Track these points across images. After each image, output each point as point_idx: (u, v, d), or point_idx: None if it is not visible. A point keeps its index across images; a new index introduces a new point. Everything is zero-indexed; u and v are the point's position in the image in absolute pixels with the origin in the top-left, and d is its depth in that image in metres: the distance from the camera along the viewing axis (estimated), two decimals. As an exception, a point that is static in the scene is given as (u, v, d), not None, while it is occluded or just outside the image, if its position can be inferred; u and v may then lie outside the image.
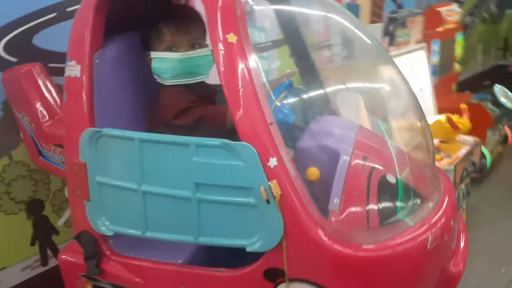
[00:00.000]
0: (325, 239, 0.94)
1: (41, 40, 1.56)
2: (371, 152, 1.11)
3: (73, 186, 1.18)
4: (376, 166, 1.07)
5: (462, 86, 4.28)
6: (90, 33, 1.13)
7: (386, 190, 1.04)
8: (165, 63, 1.21)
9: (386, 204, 1.03)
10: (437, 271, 1.05)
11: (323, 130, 1.16)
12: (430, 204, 1.07)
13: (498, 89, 3.39)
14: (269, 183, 0.93)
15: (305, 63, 1.45)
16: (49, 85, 1.52)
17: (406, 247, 0.97)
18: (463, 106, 2.57)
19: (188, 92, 1.23)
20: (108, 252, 1.18)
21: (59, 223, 1.67)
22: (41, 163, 1.53)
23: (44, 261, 1.67)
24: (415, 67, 2.85)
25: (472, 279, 2.09)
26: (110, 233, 1.12)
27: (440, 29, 3.32)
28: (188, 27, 1.22)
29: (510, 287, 2.13)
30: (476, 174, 2.97)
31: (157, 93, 1.27)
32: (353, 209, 1.01)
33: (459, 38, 3.64)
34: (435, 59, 3.30)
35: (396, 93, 1.29)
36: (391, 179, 1.05)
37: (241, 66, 0.96)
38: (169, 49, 1.22)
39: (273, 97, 1.14)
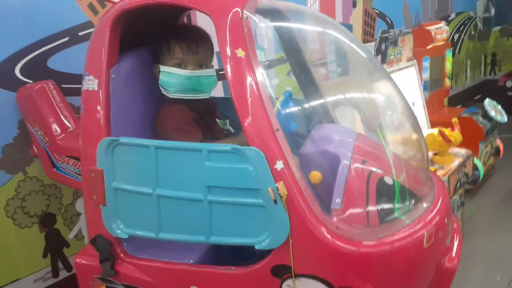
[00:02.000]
0: (328, 236, 1.02)
1: (55, 63, 1.64)
2: (369, 157, 1.19)
3: (89, 192, 1.24)
4: (374, 169, 1.15)
5: (453, 100, 4.42)
6: (107, 50, 1.22)
7: (384, 190, 1.12)
8: (173, 78, 1.30)
9: (384, 204, 1.11)
10: (433, 266, 1.12)
11: (323, 136, 1.24)
12: (425, 204, 1.15)
13: (488, 102, 3.51)
14: (276, 185, 1.01)
15: (305, 77, 1.54)
16: (61, 101, 1.61)
17: (404, 243, 1.04)
18: (454, 120, 2.67)
19: (188, 109, 1.32)
20: (122, 255, 1.24)
21: (70, 236, 1.74)
22: (54, 175, 1.59)
23: (55, 272, 1.71)
24: (407, 83, 2.97)
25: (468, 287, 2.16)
26: (125, 236, 1.19)
27: (430, 46, 3.46)
28: (198, 47, 1.32)
29: (506, 295, 2.19)
30: (470, 185, 3.06)
31: (160, 105, 1.35)
32: (353, 208, 1.08)
33: (448, 54, 3.79)
34: (426, 75, 3.42)
35: (391, 102, 1.38)
36: (388, 180, 1.13)
37: (249, 78, 1.05)
38: (178, 65, 1.31)
39: (278, 105, 1.22)
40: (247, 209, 1.05)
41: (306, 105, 1.44)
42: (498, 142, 3.73)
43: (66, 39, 1.66)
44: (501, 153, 3.72)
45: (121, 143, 1.16)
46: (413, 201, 1.14)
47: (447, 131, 2.54)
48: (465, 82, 5.07)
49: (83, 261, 1.28)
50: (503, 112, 3.52)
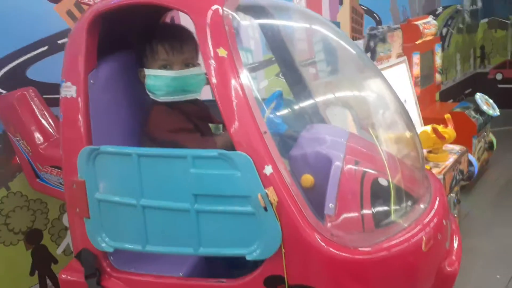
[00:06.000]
0: (323, 243, 0.97)
1: (34, 73, 1.58)
2: (362, 157, 1.14)
3: (72, 205, 1.19)
4: (368, 170, 1.10)
5: (444, 95, 4.40)
6: (84, 54, 1.16)
7: (379, 193, 1.07)
8: (159, 80, 1.25)
9: (379, 207, 1.06)
10: (433, 271, 1.08)
11: (314, 137, 1.20)
12: (422, 205, 1.10)
13: (479, 97, 3.49)
14: (266, 190, 0.96)
15: (293, 75, 1.49)
16: (43, 109, 1.55)
17: (402, 248, 1.00)
18: (447, 116, 2.65)
19: (179, 111, 1.27)
20: (108, 269, 1.18)
21: (58, 251, 1.68)
22: (38, 186, 1.53)
23: None
24: (398, 80, 2.93)
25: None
26: (111, 250, 1.13)
27: (419, 41, 3.43)
28: (183, 46, 1.26)
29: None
30: (465, 182, 3.03)
31: (148, 109, 1.30)
32: (348, 213, 1.04)
33: (438, 49, 3.77)
34: (416, 70, 3.40)
35: (382, 99, 1.34)
36: (383, 182, 1.09)
37: (233, 78, 1.00)
38: (164, 67, 1.25)
39: (264, 107, 1.17)
40: (236, 218, 1.00)
41: (296, 105, 1.40)
42: (492, 137, 3.71)
43: (45, 48, 1.60)
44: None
45: (102, 152, 1.10)
46: (409, 203, 1.10)
47: (440, 128, 2.51)
48: (456, 76, 5.07)
49: (69, 277, 1.22)
50: (495, 105, 3.50)
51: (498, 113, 3.47)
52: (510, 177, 3.46)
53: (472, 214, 2.95)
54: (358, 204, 1.04)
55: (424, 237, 1.02)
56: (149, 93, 1.28)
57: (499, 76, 5.17)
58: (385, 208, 1.06)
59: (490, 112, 3.42)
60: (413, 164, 1.22)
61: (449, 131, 2.53)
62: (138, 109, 1.32)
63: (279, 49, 1.47)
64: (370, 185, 1.07)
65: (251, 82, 1.02)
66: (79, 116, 1.16)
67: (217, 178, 1.00)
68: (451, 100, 4.60)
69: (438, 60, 3.77)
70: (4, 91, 1.53)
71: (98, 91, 1.20)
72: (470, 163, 2.95)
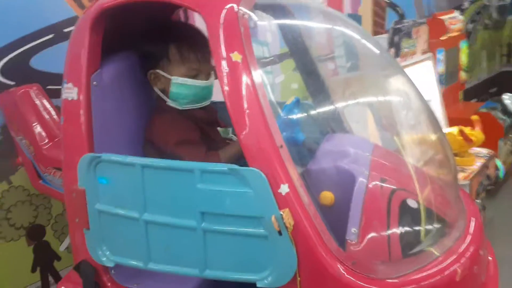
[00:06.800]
0: (345, 273, 0.86)
1: (39, 62, 1.52)
2: (389, 174, 1.03)
3: (72, 214, 1.11)
4: (396, 189, 0.99)
5: (468, 94, 4.21)
6: (86, 54, 1.07)
7: (408, 216, 0.96)
8: (188, 89, 1.18)
9: (408, 233, 0.95)
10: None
11: (336, 149, 1.09)
12: (456, 231, 0.98)
13: (508, 97, 3.32)
14: (281, 212, 0.86)
15: (312, 77, 1.38)
16: (48, 107, 1.48)
17: (433, 282, 0.88)
18: (474, 117, 2.50)
19: (188, 117, 1.20)
20: (109, 284, 1.10)
21: (61, 248, 1.63)
22: (41, 187, 1.48)
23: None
24: (422, 78, 2.78)
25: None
26: (111, 264, 1.05)
27: (444, 37, 3.27)
28: (210, 55, 1.19)
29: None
30: (490, 186, 2.89)
31: (154, 114, 1.21)
32: (373, 239, 0.93)
33: (463, 45, 3.59)
34: (441, 68, 3.24)
35: (409, 105, 1.22)
36: (412, 203, 0.97)
37: (246, 86, 0.90)
38: (193, 76, 1.18)
39: (281, 115, 1.07)
40: (247, 240, 0.90)
41: (315, 112, 1.28)
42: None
43: (51, 36, 1.53)
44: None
45: (103, 161, 1.02)
46: (442, 228, 0.98)
47: (467, 130, 2.37)
48: (481, 74, 4.85)
49: (67, 290, 1.14)
50: (523, 106, 3.32)
51: (527, 115, 3.30)
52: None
53: (497, 219, 2.80)
54: (384, 229, 0.93)
55: (458, 270, 0.90)
56: (168, 100, 1.19)
57: (526, 75, 4.93)
58: (415, 234, 0.95)
59: (519, 113, 3.25)
60: (446, 182, 1.10)
61: (476, 133, 2.39)
62: (144, 113, 1.23)
63: (299, 52, 1.36)
64: (398, 207, 0.96)
65: (267, 90, 0.91)
66: (81, 121, 1.07)
67: (227, 196, 0.90)
68: (475, 100, 4.40)
69: (463, 58, 3.59)
70: (6, 81, 1.47)
71: (101, 93, 1.11)
72: (495, 167, 2.80)
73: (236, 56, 0.90)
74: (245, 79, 0.89)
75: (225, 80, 0.90)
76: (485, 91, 4.91)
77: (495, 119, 3.20)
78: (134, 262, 1.02)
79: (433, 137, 1.15)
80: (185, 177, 0.93)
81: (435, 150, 1.16)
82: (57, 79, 1.48)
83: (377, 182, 0.99)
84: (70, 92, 1.09)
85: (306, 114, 1.22)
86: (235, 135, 1.39)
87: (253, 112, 0.89)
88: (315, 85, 1.37)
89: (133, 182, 0.98)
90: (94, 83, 1.08)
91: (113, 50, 1.18)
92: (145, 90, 1.21)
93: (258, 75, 0.91)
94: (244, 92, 0.89)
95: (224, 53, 0.90)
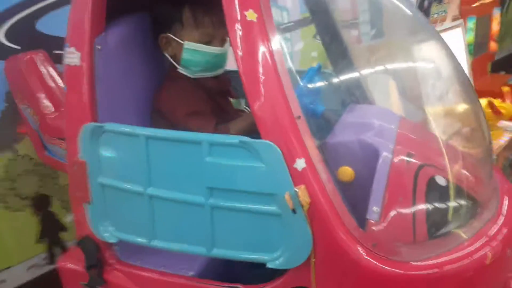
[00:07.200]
0: (365, 255, 0.78)
1: (45, 26, 1.46)
2: (417, 149, 0.94)
3: (74, 187, 1.05)
4: (424, 164, 0.90)
5: (496, 66, 3.99)
6: (90, 16, 0.99)
7: (436, 194, 0.87)
8: (201, 56, 1.10)
9: (436, 212, 0.86)
10: (497, 290, 0.88)
11: (358, 121, 1.00)
12: (488, 212, 0.89)
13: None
14: (296, 189, 0.78)
15: (334, 44, 1.27)
16: (53, 74, 1.42)
17: (461, 265, 0.80)
18: (505, 89, 2.35)
19: (200, 87, 1.12)
20: (112, 261, 1.06)
21: (68, 219, 1.60)
22: (46, 159, 1.44)
23: (51, 259, 1.60)
24: (452, 47, 2.61)
25: None
26: (114, 240, 1.00)
27: (476, 4, 3.05)
28: (224, 18, 1.09)
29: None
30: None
31: (164, 82, 1.13)
32: (396, 218, 0.84)
33: (496, 13, 3.36)
34: (470, 37, 3.05)
35: (442, 74, 1.10)
36: (440, 181, 0.88)
37: (262, 49, 0.80)
38: (207, 42, 1.10)
39: (300, 83, 0.98)
40: (258, 218, 0.83)
41: (337, 81, 1.18)
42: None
43: (57, -3, 1.45)
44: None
45: (107, 131, 0.95)
46: (472, 208, 0.89)
47: (497, 102, 2.23)
48: (510, 46, 4.59)
49: (68, 265, 1.10)
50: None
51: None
52: None
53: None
54: (409, 208, 0.84)
55: (489, 254, 0.82)
56: (179, 67, 1.11)
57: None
58: (443, 214, 0.86)
59: (549, 89, 3.05)
60: (479, 158, 1.00)
61: (507, 105, 2.26)
62: (154, 80, 1.15)
63: (320, 13, 1.24)
64: (425, 184, 0.87)
65: (286, 55, 0.81)
66: (83, 88, 1.00)
67: (237, 170, 0.82)
68: (503, 72, 4.18)
69: (495, 27, 3.37)
70: (11, 45, 1.41)
71: (106, 58, 1.02)
72: (523, 143, 2.65)
73: (251, 15, 0.80)
74: (260, 41, 0.80)
75: (239, 44, 0.81)
76: (513, 64, 4.65)
77: (525, 93, 3.02)
78: (137, 239, 0.97)
79: (467, 109, 1.04)
80: (193, 150, 0.85)
81: (468, 123, 1.05)
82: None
83: (403, 157, 0.90)
84: (72, 57, 1.01)
85: (327, 83, 1.12)
86: (248, 106, 1.31)
87: (269, 78, 0.80)
88: (338, 52, 1.27)
89: (137, 154, 0.91)
90: (98, 47, 1.00)
91: (121, 12, 1.09)
92: (155, 56, 1.13)
93: (275, 38, 0.82)
94: (259, 56, 0.80)
95: (238, 12, 0.81)
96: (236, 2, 0.82)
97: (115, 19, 1.07)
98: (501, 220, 0.88)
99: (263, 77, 0.81)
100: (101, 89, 1.02)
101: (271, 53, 0.81)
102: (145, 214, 0.93)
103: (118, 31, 1.07)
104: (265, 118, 0.80)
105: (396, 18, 1.19)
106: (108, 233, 0.99)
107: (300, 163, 0.79)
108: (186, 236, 0.90)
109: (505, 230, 0.86)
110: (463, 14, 2.94)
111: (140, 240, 0.95)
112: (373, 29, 2.23)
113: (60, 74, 1.42)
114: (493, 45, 3.45)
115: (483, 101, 2.24)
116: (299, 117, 0.81)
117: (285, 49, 0.83)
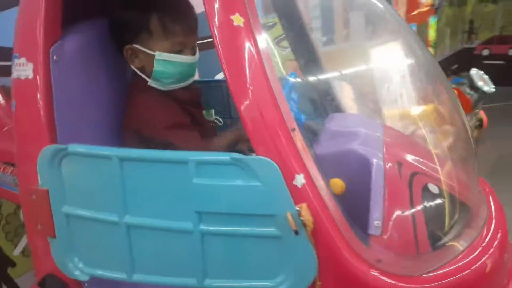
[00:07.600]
0: (375, 274, 0.74)
1: None
2: (404, 157, 0.92)
3: (31, 219, 0.92)
4: (415, 172, 0.88)
5: (431, 71, 4.22)
6: (43, 22, 0.87)
7: (432, 203, 0.85)
8: (174, 67, 1.00)
9: (435, 222, 0.84)
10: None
11: (343, 130, 0.96)
12: (481, 217, 0.89)
13: (475, 72, 3.33)
14: (297, 208, 0.72)
15: (303, 48, 1.23)
16: (-7, 90, 1.25)
17: (464, 275, 0.78)
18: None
19: (172, 99, 1.03)
20: (82, 300, 0.93)
21: (15, 253, 1.46)
22: (-12, 186, 1.25)
23: None
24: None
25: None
26: (86, 278, 0.88)
27: (415, 12, 3.22)
28: (195, 25, 1.01)
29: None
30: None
31: (131, 96, 1.03)
32: (398, 231, 0.81)
33: (433, 21, 3.57)
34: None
35: (425, 76, 1.10)
36: (433, 188, 0.87)
37: (252, 57, 0.74)
38: (178, 51, 1.00)
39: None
40: (255, 242, 0.76)
41: (311, 88, 1.14)
42: (482, 114, 3.59)
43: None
44: (485, 124, 3.59)
45: (71, 153, 0.83)
46: (467, 215, 0.88)
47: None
48: (444, 51, 4.91)
49: (31, 310, 0.96)
50: (490, 81, 3.36)
51: (494, 90, 3.33)
52: (500, 155, 3.37)
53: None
54: (410, 219, 0.81)
55: (488, 262, 0.80)
56: (150, 80, 1.01)
57: (485, 52, 5.02)
58: (441, 223, 0.84)
59: (486, 88, 3.27)
60: (464, 163, 0.99)
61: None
62: (119, 91, 1.04)
63: (287, 16, 1.20)
64: (420, 193, 0.84)
65: (277, 61, 0.75)
66: (39, 104, 0.87)
67: (230, 191, 0.75)
68: (439, 76, 4.45)
69: (431, 34, 3.58)
70: None
71: (63, 70, 0.90)
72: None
73: (238, 19, 0.73)
74: (249, 48, 0.73)
75: (223, 52, 0.74)
76: (447, 67, 4.98)
77: (463, 95, 3.20)
78: (115, 274, 0.85)
79: (448, 111, 1.04)
80: (177, 171, 0.76)
81: (451, 125, 1.05)
82: (5, 53, 1.27)
83: (395, 166, 0.88)
84: (23, 69, 0.88)
85: (303, 92, 1.08)
86: (220, 117, 1.24)
87: (261, 89, 0.74)
88: (307, 57, 1.23)
89: (109, 178, 0.81)
90: (54, 57, 0.88)
91: (78, 17, 0.98)
92: (118, 65, 1.02)
93: (264, 43, 0.75)
94: (249, 66, 0.73)
95: (223, 16, 0.73)
96: (220, 6, 0.75)
97: (72, 24, 0.96)
98: (493, 225, 0.87)
99: (250, 88, 0.74)
100: (59, 105, 0.89)
101: (261, 61, 0.74)
102: (122, 245, 0.82)
103: (76, 39, 0.96)
104: (259, 132, 0.73)
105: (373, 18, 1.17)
106: (78, 271, 0.87)
107: (300, 179, 0.73)
108: (173, 267, 0.81)
109: (499, 235, 0.85)
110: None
111: (118, 275, 0.84)
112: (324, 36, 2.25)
113: (1, 91, 1.25)
114: (430, 51, 3.65)
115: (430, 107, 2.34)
116: (293, 129, 0.75)
117: (277, 55, 0.77)
